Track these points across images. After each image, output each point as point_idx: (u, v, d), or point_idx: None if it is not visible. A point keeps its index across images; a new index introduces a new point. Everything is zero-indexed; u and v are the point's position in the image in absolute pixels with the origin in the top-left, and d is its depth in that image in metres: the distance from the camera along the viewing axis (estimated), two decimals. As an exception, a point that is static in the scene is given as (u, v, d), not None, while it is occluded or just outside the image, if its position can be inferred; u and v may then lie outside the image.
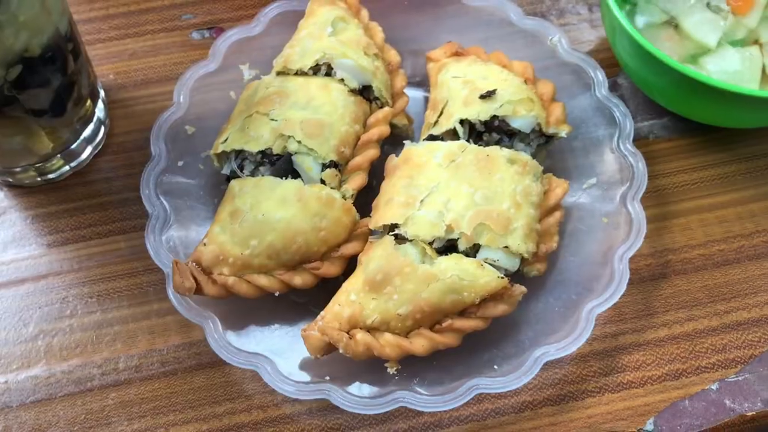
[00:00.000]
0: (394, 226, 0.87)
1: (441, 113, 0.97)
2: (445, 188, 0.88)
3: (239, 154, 0.94)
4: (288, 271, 0.88)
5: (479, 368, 0.84)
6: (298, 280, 0.87)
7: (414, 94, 1.08)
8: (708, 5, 1.03)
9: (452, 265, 0.83)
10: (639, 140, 1.05)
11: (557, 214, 0.91)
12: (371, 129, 0.96)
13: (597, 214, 0.95)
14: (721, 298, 0.93)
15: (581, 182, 0.98)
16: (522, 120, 0.94)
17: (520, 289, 0.85)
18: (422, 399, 0.82)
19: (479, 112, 0.93)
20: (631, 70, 1.03)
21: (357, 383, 0.84)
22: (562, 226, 0.94)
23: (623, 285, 0.87)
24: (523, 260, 0.88)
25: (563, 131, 0.96)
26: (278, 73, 0.99)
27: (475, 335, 0.85)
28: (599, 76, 1.01)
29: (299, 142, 0.90)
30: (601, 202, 0.96)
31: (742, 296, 0.94)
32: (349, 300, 0.84)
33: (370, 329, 0.83)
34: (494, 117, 0.93)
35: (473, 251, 0.86)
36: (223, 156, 0.95)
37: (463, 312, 0.84)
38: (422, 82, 1.09)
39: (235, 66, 1.03)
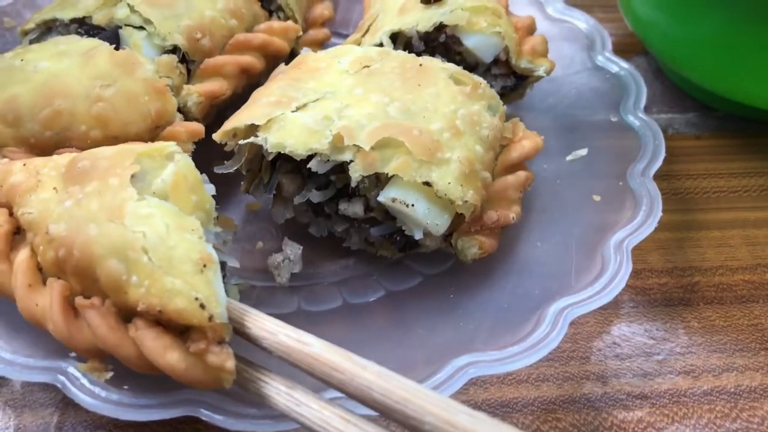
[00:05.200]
0: (253, 132, 0.53)
1: (367, 31, 0.66)
2: (346, 95, 0.55)
3: (51, 28, 0.62)
4: (31, 153, 0.53)
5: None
6: None
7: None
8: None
9: (155, 214, 0.45)
10: (653, 133, 0.73)
11: (522, 175, 0.57)
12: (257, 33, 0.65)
13: (584, 190, 0.61)
14: (780, 347, 0.56)
15: (564, 153, 0.64)
16: (480, 37, 0.62)
17: (225, 357, 0.42)
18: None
19: (419, 21, 0.62)
20: (654, 33, 0.72)
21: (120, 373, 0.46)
22: (528, 200, 0.59)
23: (621, 282, 0.51)
24: (455, 223, 0.53)
25: (542, 67, 0.64)
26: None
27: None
28: (603, 32, 0.72)
29: (132, 7, 0.59)
30: (592, 177, 0.62)
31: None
32: (50, 174, 0.48)
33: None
34: (440, 29, 0.62)
35: (377, 188, 0.52)
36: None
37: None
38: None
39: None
